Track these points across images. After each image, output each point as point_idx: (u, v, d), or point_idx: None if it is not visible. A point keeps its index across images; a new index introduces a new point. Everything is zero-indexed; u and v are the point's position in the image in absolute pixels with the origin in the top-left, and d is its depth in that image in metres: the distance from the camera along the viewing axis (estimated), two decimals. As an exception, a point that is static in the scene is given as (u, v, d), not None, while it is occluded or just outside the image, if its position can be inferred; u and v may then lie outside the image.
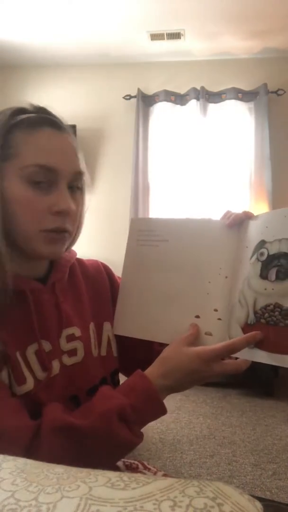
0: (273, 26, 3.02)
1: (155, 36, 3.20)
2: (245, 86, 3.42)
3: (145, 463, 0.85)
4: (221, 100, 3.43)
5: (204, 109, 3.41)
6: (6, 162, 0.63)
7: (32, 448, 0.56)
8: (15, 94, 3.66)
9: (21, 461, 0.39)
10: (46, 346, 0.68)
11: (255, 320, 0.65)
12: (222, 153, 3.42)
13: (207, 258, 0.75)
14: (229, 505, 0.30)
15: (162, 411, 0.65)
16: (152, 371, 0.66)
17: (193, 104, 3.43)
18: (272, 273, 0.64)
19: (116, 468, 0.80)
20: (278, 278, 0.63)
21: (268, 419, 2.40)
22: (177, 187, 3.46)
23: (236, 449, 2.05)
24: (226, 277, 0.72)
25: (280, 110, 3.42)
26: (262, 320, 0.64)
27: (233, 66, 3.50)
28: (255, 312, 0.65)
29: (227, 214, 0.75)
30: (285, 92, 3.41)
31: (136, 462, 0.83)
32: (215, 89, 3.45)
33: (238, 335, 0.66)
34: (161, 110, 3.53)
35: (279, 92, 3.40)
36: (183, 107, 3.49)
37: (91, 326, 0.76)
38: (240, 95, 3.40)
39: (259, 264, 0.67)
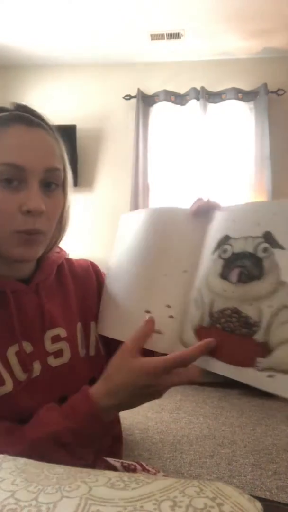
0: (273, 26, 3.02)
1: (155, 36, 3.20)
2: (245, 86, 3.42)
3: (144, 464, 0.84)
4: (221, 100, 3.43)
5: (204, 109, 3.41)
6: None
7: None
8: (15, 95, 3.66)
9: (21, 461, 0.39)
10: (28, 347, 0.67)
11: (210, 323, 0.59)
12: (222, 153, 3.42)
13: (167, 249, 0.68)
14: (229, 505, 0.30)
15: (107, 431, 0.61)
16: (97, 388, 0.61)
17: (193, 104, 3.43)
18: (234, 274, 0.58)
19: (114, 470, 0.79)
20: (240, 280, 0.57)
21: (268, 419, 2.40)
22: (177, 187, 3.47)
23: (236, 449, 2.05)
24: (185, 271, 0.65)
25: (280, 110, 3.42)
26: (218, 325, 0.58)
27: (233, 66, 3.50)
28: (211, 315, 0.59)
29: (196, 202, 0.68)
30: (285, 92, 3.41)
31: (134, 463, 0.82)
32: (215, 89, 3.45)
33: (191, 338, 0.61)
34: (161, 110, 3.53)
35: (279, 92, 3.40)
36: (183, 107, 3.49)
37: (79, 326, 0.75)
38: (240, 95, 3.40)
39: (221, 261, 0.60)
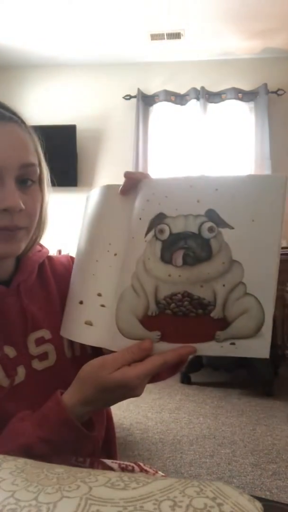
0: (273, 26, 3.02)
1: (155, 36, 3.20)
2: (245, 86, 3.43)
3: (142, 464, 0.82)
4: (221, 100, 3.43)
5: (204, 109, 3.41)
6: None
7: None
8: (15, 95, 3.66)
9: (21, 461, 0.39)
10: (11, 352, 0.65)
11: (158, 311, 0.56)
12: (222, 153, 3.42)
13: (98, 232, 0.63)
14: (229, 505, 0.30)
15: (83, 435, 0.59)
16: (71, 394, 0.59)
17: (193, 104, 3.43)
18: (178, 257, 0.54)
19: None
20: (186, 263, 0.54)
21: (268, 419, 2.40)
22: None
23: (236, 449, 2.05)
24: (116, 254, 0.60)
25: (280, 110, 3.43)
26: (168, 311, 0.55)
27: (233, 66, 3.50)
28: (158, 302, 0.56)
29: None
30: (285, 92, 3.41)
31: (131, 464, 0.81)
32: (215, 89, 3.45)
33: (136, 328, 0.57)
34: (161, 110, 3.53)
35: (279, 92, 3.41)
36: (183, 107, 3.49)
37: None
38: (240, 95, 3.40)
39: (159, 243, 0.55)
